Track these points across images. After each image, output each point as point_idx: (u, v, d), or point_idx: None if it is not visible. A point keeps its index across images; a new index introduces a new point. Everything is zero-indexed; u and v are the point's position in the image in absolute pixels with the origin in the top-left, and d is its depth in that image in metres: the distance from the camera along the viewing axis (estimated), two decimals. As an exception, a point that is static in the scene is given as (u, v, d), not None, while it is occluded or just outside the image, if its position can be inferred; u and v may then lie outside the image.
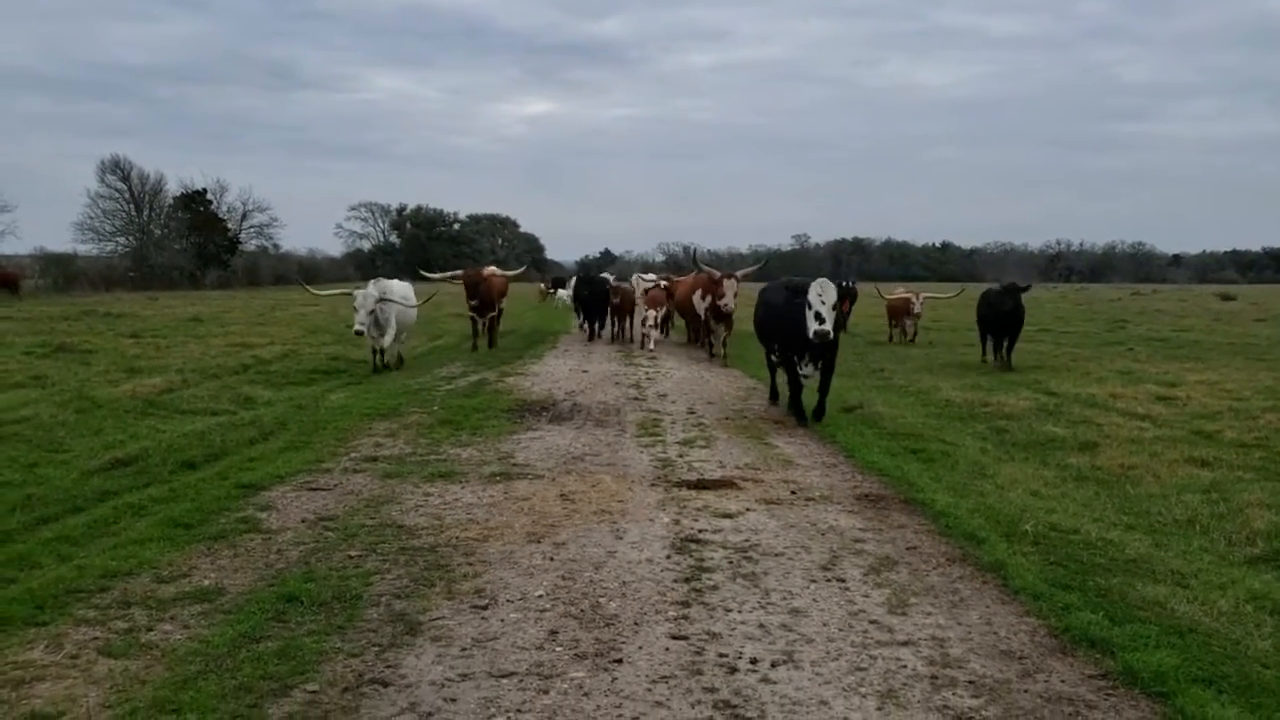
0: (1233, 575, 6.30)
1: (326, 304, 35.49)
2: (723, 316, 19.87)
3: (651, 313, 24.14)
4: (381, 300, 17.24)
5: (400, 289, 18.47)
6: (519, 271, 31.88)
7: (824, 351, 11.89)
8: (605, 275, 28.33)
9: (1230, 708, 4.37)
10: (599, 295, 26.44)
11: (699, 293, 21.06)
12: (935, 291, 32.28)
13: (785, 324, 12.13)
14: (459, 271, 23.72)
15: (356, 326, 16.91)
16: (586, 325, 27.41)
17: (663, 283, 27.81)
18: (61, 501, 7.89)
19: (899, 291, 28.32)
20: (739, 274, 20.03)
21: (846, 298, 11.33)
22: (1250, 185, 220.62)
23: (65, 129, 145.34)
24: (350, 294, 17.69)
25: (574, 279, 27.45)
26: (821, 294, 11.29)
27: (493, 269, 24.76)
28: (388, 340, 17.72)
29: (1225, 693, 4.56)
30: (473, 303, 21.91)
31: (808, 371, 12.15)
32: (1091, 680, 4.79)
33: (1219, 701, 4.44)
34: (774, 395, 14.08)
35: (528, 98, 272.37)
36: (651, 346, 23.30)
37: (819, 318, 11.25)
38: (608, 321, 26.83)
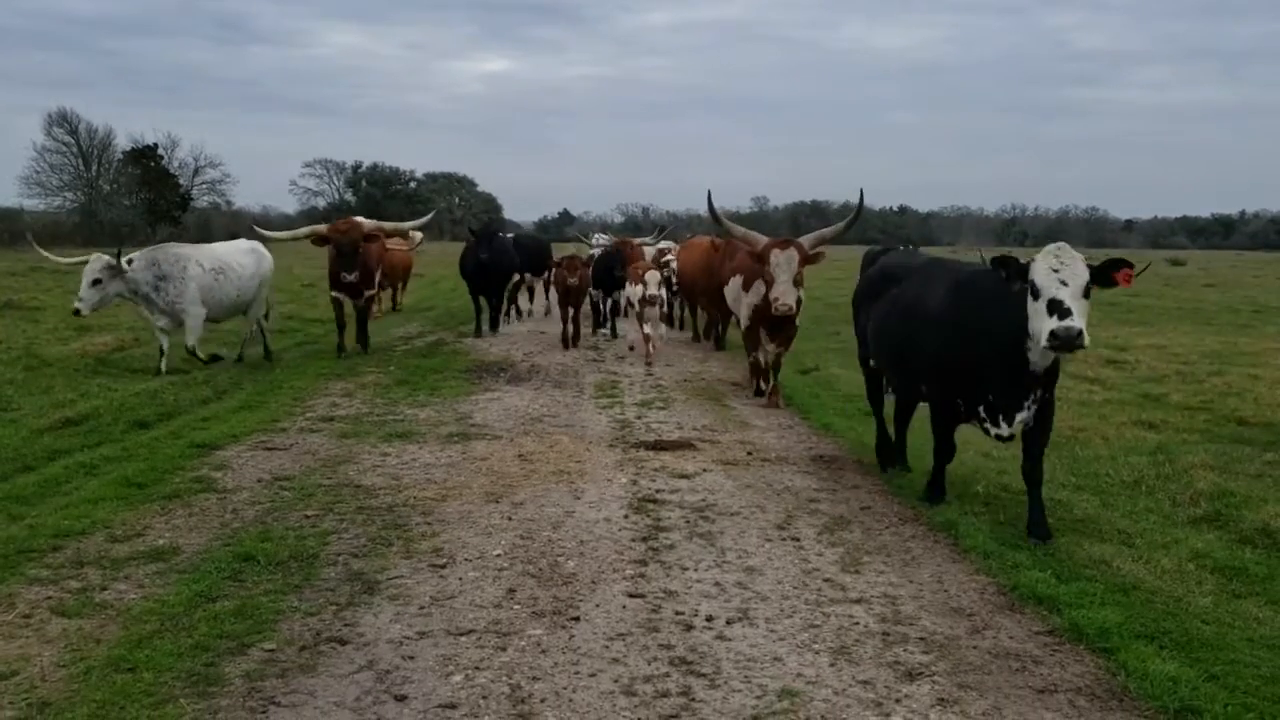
0: (1176, 535, 6.46)
1: (282, 261, 34.95)
2: (776, 322, 10.83)
3: (649, 287, 14.10)
4: (113, 268, 11.90)
5: (221, 256, 13.19)
6: (412, 227, 17.37)
7: (1047, 383, 6.49)
8: (596, 241, 20.14)
9: (1171, 662, 4.50)
10: (500, 267, 17.14)
11: (738, 279, 11.77)
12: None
13: (960, 338, 6.65)
14: (317, 227, 14.49)
15: (75, 304, 11.88)
16: (487, 314, 17.70)
17: (661, 247, 19.86)
18: (11, 460, 7.79)
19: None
20: (806, 240, 10.75)
21: (1119, 269, 6.28)
22: (1201, 152, 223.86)
23: (9, 80, 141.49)
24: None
25: (472, 241, 17.24)
26: (1059, 268, 5.99)
27: (375, 224, 14.91)
28: (191, 336, 12.51)
29: (1166, 648, 4.69)
30: (348, 277, 13.65)
31: (1009, 429, 6.56)
32: (1038, 636, 4.90)
33: (1160, 656, 4.57)
34: (886, 459, 8.29)
35: (485, 55, 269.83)
36: (653, 350, 14.64)
37: (1057, 308, 5.85)
38: (566, 316, 16.03)
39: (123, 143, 72.39)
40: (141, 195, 70.20)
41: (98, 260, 11.95)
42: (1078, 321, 5.84)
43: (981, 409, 6.66)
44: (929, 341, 6.97)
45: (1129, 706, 4.19)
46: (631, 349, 15.39)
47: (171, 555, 5.74)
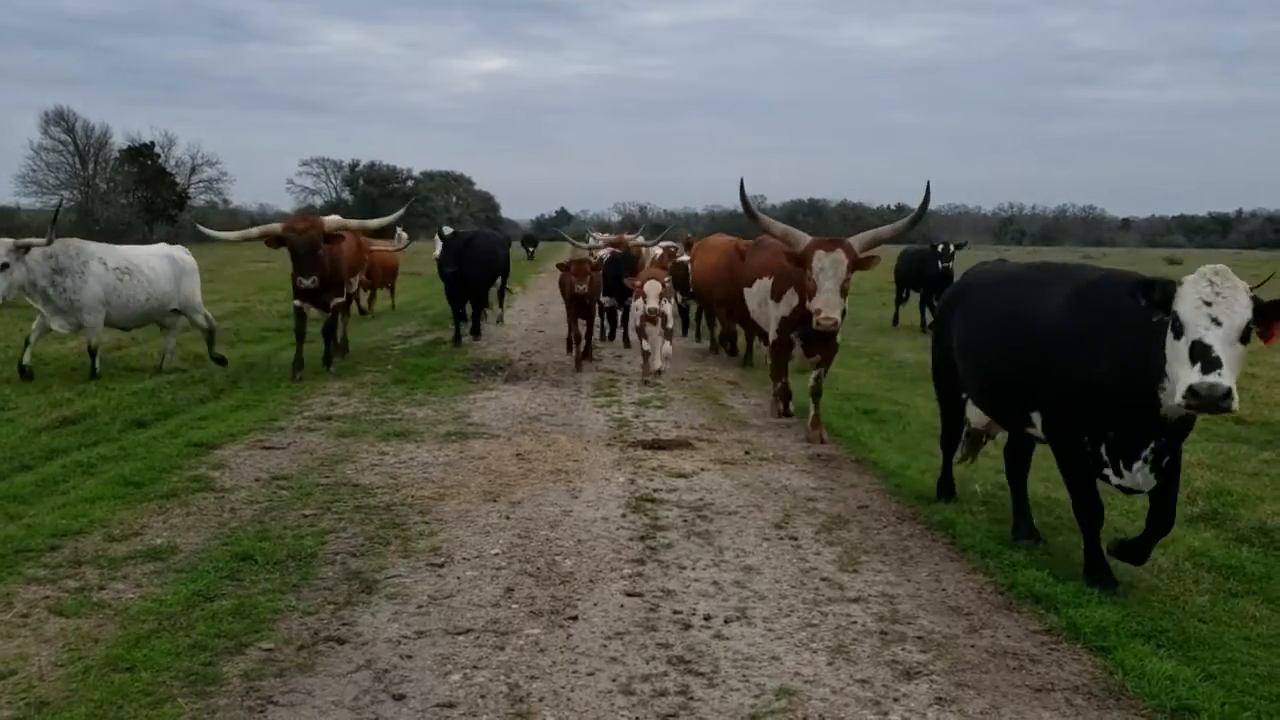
0: (1173, 533, 6.43)
1: (278, 259, 34.86)
2: (814, 336, 9.16)
3: (649, 299, 11.99)
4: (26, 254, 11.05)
5: (128, 257, 12.12)
6: (380, 225, 14.81)
7: (1179, 431, 5.26)
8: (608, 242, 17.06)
9: (1168, 661, 4.50)
10: (477, 274, 15.65)
11: (765, 282, 10.08)
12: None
13: (1075, 371, 5.39)
14: (270, 226, 12.49)
15: None
16: (456, 320, 16.14)
17: (669, 247, 18.06)
18: (9, 460, 7.77)
19: None
20: (858, 240, 9.00)
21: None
22: (1198, 151, 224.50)
23: (6, 78, 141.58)
24: None
25: (440, 238, 15.82)
26: (1213, 301, 4.70)
27: (340, 222, 13.13)
28: (92, 335, 11.60)
29: (1164, 646, 4.69)
30: (304, 282, 11.42)
31: (1137, 479, 5.38)
32: (1036, 635, 4.91)
33: (1157, 655, 4.57)
34: (946, 488, 7.25)
35: (483, 53, 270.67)
36: (659, 365, 12.51)
37: (1203, 356, 4.61)
38: (574, 331, 14.21)
39: (119, 141, 72.30)
40: (138, 194, 70.12)
41: (0, 244, 10.94)
42: (1226, 378, 4.51)
43: (1109, 450, 5.39)
44: (1039, 366, 5.62)
45: (1126, 705, 4.20)
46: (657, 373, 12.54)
47: (169, 554, 5.74)
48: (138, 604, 5.00)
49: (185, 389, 10.93)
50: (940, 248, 18.91)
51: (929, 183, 9.19)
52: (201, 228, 13.62)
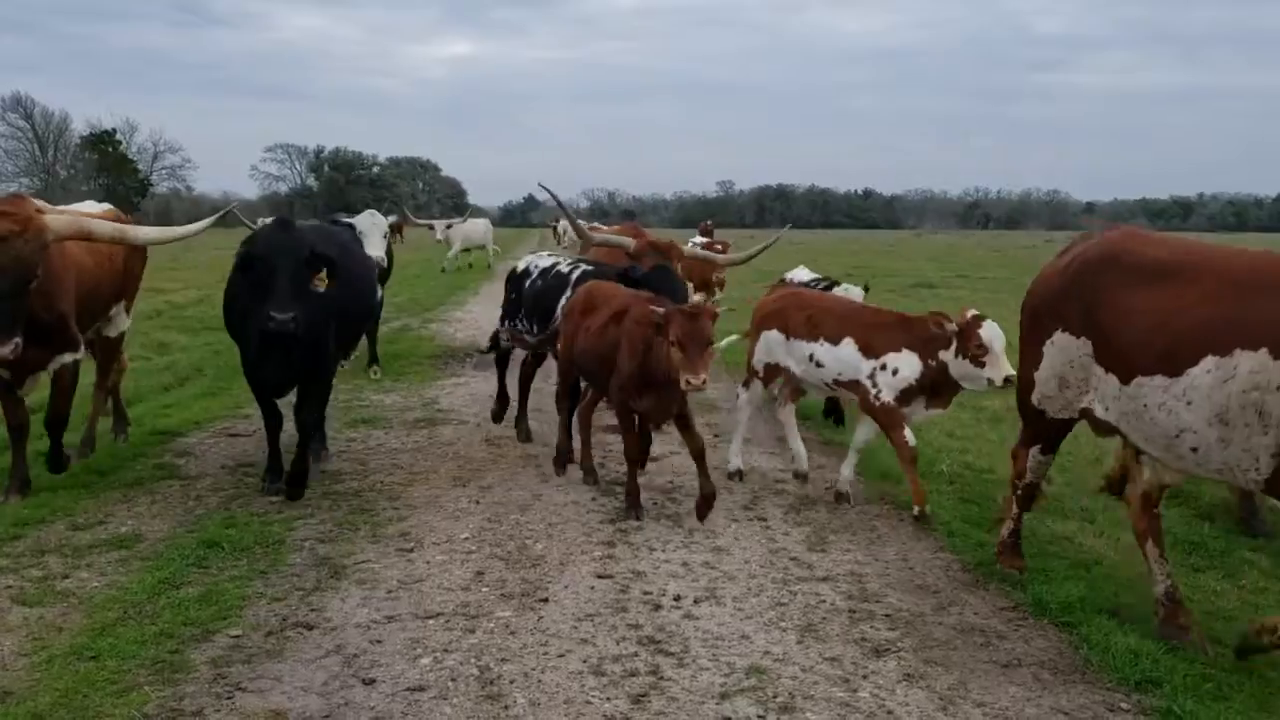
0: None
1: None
2: None
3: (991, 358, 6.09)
4: None
5: None
6: (166, 238, 7.88)
7: None
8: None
9: (1131, 635, 4.57)
10: (312, 325, 6.26)
11: (1248, 358, 3.89)
12: None
13: None
14: None
15: None
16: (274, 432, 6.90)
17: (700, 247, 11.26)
18: (-31, 449, 7.64)
19: None
20: None
21: None
22: (1160, 136, 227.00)
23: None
24: None
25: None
26: None
27: (76, 223, 6.20)
28: None
29: (1127, 622, 4.76)
30: (3, 349, 5.56)
31: None
32: (1003, 612, 4.97)
33: (1121, 630, 4.64)
34: None
35: (448, 38, 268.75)
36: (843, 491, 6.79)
37: None
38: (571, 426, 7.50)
39: (80, 128, 71.50)
40: (100, 181, 69.34)
41: None
42: None
43: None
44: None
45: (1091, 679, 4.26)
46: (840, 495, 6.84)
47: (134, 542, 5.68)
48: (103, 592, 4.95)
49: (149, 377, 10.81)
50: None
51: None
52: None
